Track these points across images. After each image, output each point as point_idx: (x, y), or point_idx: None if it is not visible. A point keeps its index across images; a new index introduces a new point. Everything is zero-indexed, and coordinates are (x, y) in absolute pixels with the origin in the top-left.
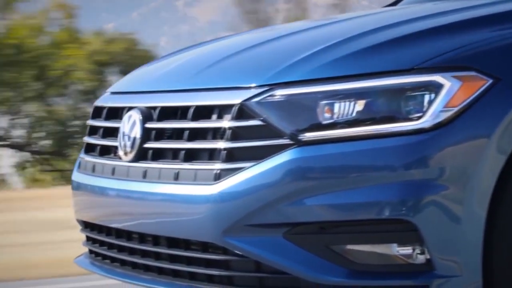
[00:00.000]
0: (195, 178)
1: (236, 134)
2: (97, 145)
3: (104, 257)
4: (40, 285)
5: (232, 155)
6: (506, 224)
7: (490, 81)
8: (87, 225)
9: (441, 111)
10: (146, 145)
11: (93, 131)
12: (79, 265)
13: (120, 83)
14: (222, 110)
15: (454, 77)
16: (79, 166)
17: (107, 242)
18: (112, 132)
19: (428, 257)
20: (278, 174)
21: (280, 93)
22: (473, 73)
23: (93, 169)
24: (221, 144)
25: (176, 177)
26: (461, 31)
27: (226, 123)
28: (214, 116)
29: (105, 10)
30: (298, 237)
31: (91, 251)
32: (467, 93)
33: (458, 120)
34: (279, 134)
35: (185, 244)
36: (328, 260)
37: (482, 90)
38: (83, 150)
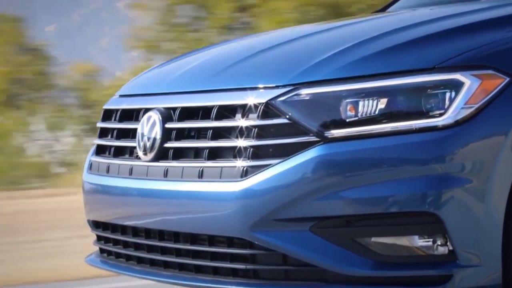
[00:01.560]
0: (221, 176)
1: (262, 132)
2: (111, 146)
3: (118, 255)
4: None
5: (258, 153)
6: None
7: (507, 79)
8: (98, 225)
9: (462, 108)
10: (167, 145)
11: (104, 133)
12: (91, 264)
13: (129, 86)
14: (247, 109)
15: (474, 75)
16: (90, 168)
17: (123, 241)
18: (127, 134)
19: (451, 248)
20: (305, 170)
21: (305, 92)
22: (491, 72)
23: (108, 170)
24: (247, 142)
25: (201, 175)
26: (477, 32)
27: (252, 121)
28: (239, 115)
29: (45, 12)
30: (325, 231)
31: (102, 250)
32: (486, 91)
33: (478, 117)
34: (305, 132)
35: (210, 239)
36: (354, 253)
37: (499, 88)
38: (93, 151)
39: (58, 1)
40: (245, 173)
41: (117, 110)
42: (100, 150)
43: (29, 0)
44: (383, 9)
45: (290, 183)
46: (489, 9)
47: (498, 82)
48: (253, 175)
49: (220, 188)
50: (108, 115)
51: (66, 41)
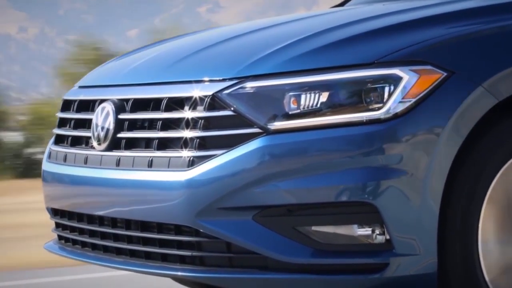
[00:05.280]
0: (169, 165)
1: (208, 123)
2: (68, 136)
3: (74, 242)
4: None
5: (204, 143)
6: (457, 209)
7: (445, 74)
8: (56, 212)
9: (400, 102)
10: (119, 135)
11: (63, 123)
12: (49, 250)
13: (88, 77)
14: (194, 102)
15: (412, 70)
16: (49, 157)
17: (79, 228)
18: (83, 124)
19: (387, 237)
20: (248, 161)
21: (249, 86)
22: (429, 67)
23: (65, 159)
24: (194, 133)
25: (150, 164)
26: (418, 28)
27: (199, 113)
28: (187, 107)
29: (127, 16)
30: (267, 219)
31: (60, 237)
32: (424, 86)
33: (415, 110)
34: (248, 124)
35: (158, 227)
36: (295, 241)
37: (437, 83)
38: (52, 141)
39: (139, 6)
40: (192, 163)
41: (75, 100)
42: (59, 140)
43: (109, 5)
44: (342, 4)
45: (233, 173)
46: (435, 6)
47: (436, 77)
48: (198, 165)
49: (168, 177)
50: (67, 105)
51: None
